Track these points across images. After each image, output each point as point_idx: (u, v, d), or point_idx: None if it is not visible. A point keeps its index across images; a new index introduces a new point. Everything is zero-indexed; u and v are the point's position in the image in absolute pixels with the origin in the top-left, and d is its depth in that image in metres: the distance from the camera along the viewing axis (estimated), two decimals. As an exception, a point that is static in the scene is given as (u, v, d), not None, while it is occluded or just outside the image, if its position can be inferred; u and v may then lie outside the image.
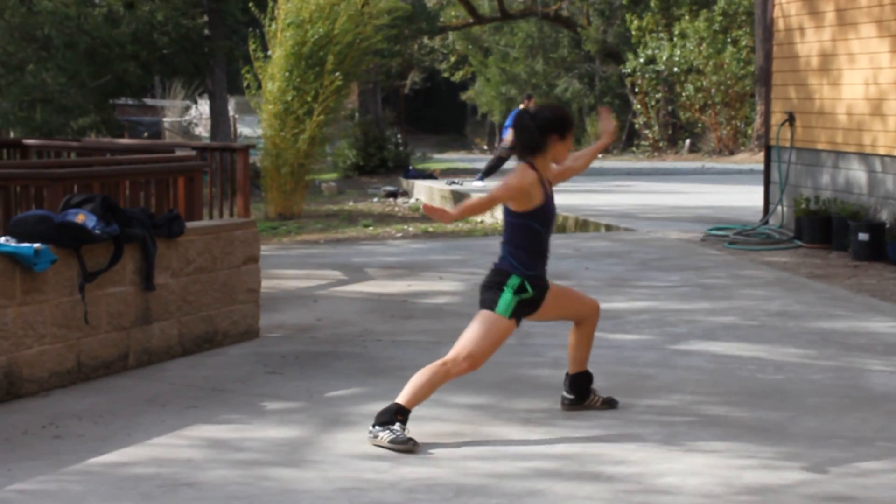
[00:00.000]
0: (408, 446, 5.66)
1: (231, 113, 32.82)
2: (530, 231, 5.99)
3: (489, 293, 5.96)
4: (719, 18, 34.92)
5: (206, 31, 26.46)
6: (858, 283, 10.70)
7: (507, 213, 6.02)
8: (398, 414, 5.76)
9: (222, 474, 5.37)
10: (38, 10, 23.05)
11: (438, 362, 5.90)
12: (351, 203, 22.68)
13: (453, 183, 23.80)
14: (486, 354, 5.93)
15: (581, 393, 6.42)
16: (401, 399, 5.82)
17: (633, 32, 37.05)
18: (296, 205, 19.97)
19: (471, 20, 42.58)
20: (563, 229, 16.05)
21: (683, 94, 35.88)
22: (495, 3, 41.75)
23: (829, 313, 9.26)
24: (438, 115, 55.10)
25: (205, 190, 11.43)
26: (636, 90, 38.11)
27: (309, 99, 19.58)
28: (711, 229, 14.34)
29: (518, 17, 43.64)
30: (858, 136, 12.84)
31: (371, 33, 20.99)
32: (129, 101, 29.72)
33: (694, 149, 37.11)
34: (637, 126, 39.68)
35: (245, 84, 20.60)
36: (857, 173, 12.96)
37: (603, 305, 6.54)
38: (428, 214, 5.77)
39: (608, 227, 15.34)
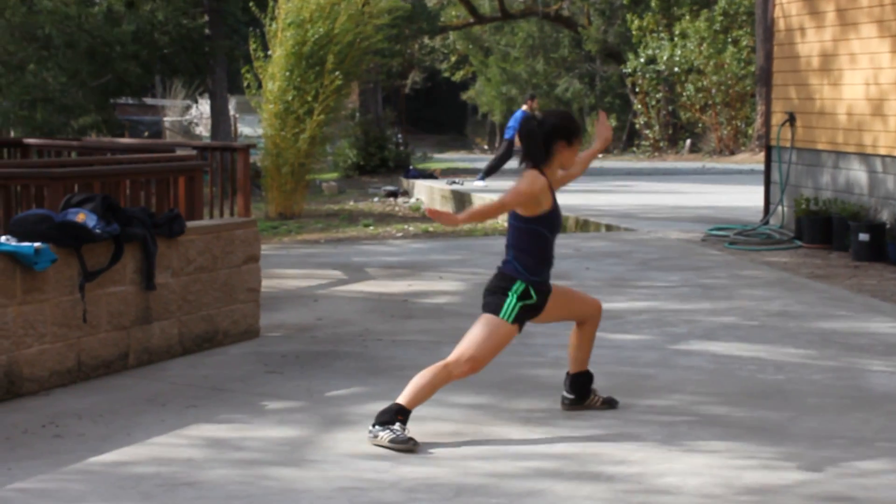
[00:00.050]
0: (408, 446, 5.66)
1: (231, 112, 32.83)
2: (537, 236, 5.99)
3: (493, 297, 5.96)
4: (720, 18, 34.93)
5: (207, 31, 26.47)
6: (859, 284, 10.70)
7: (515, 217, 6.01)
8: (399, 414, 5.76)
9: (222, 474, 5.37)
10: (38, 10, 23.05)
11: (440, 364, 5.90)
12: (351, 203, 22.69)
13: (454, 183, 23.80)
14: (487, 358, 5.94)
15: (581, 393, 6.42)
16: (401, 399, 5.82)
17: (634, 32, 37.06)
18: (296, 204, 19.97)
19: (471, 20, 42.59)
20: (564, 229, 16.05)
21: (684, 94, 35.89)
22: (496, 3, 41.76)
23: (830, 314, 9.26)
24: (439, 115, 55.11)
25: (205, 189, 11.44)
26: (637, 90, 38.12)
27: (309, 98, 19.59)
28: (712, 229, 14.34)
29: (519, 17, 43.65)
30: (859, 137, 12.84)
31: (371, 33, 21.00)
32: (130, 101, 29.72)
33: (694, 149, 37.12)
34: (637, 126, 39.69)
35: (245, 84, 20.61)
36: (858, 173, 12.96)
37: (603, 305, 6.54)
38: (433, 218, 5.76)
39: (608, 227, 15.35)
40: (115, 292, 7.33)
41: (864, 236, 12.02)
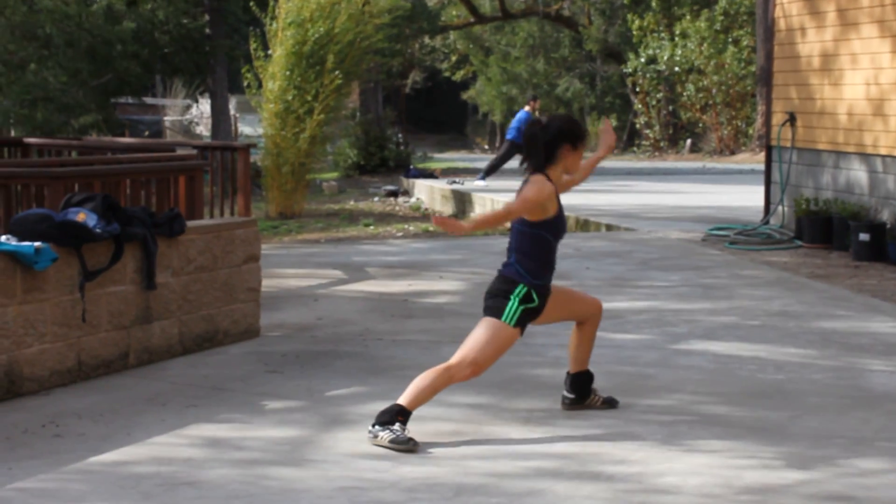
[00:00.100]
0: (408, 446, 5.66)
1: (232, 112, 32.83)
2: (541, 241, 5.99)
3: (495, 300, 5.96)
4: (720, 18, 34.93)
5: (208, 30, 26.47)
6: (859, 284, 10.70)
7: (519, 221, 5.99)
8: (399, 415, 5.76)
9: (222, 473, 5.37)
10: (38, 9, 23.05)
11: (442, 366, 5.90)
12: (352, 202, 22.69)
13: (454, 182, 23.79)
14: (489, 361, 5.95)
15: (581, 392, 6.42)
16: (402, 400, 5.82)
17: (635, 32, 37.06)
18: (296, 204, 19.97)
19: (472, 19, 42.58)
20: (564, 229, 16.02)
21: (684, 93, 35.89)
22: (496, 3, 41.75)
23: (830, 313, 9.26)
24: (439, 115, 55.11)
25: (205, 189, 11.44)
26: (637, 90, 38.12)
27: (309, 98, 19.59)
28: (712, 229, 14.35)
29: (519, 17, 43.64)
30: (859, 137, 12.84)
31: (372, 32, 21.00)
32: (130, 100, 29.73)
33: (695, 149, 37.12)
34: (638, 126, 39.69)
35: (246, 83, 20.61)
36: (858, 173, 12.96)
37: (604, 305, 6.55)
38: (440, 227, 5.75)
39: (609, 227, 15.34)
40: (115, 292, 7.33)
41: (864, 236, 12.02)
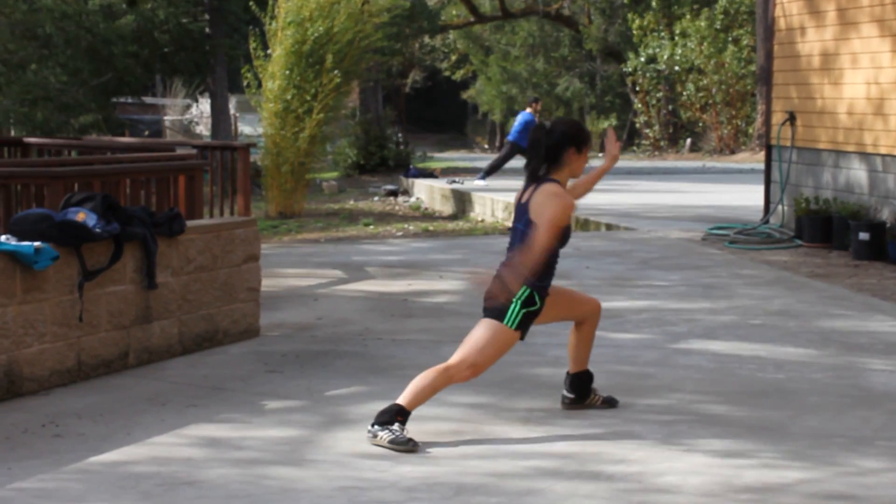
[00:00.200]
0: (407, 447, 5.66)
1: (232, 111, 32.83)
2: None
3: (496, 301, 5.95)
4: (720, 17, 34.92)
5: (207, 30, 26.47)
6: (859, 283, 10.70)
7: (529, 224, 5.94)
8: (398, 415, 5.76)
9: (222, 473, 5.37)
10: (37, 8, 23.05)
11: (442, 367, 5.90)
12: (351, 202, 22.69)
13: (454, 182, 23.79)
14: (488, 364, 5.96)
15: (581, 392, 6.42)
16: (402, 400, 5.82)
17: (635, 31, 37.06)
18: (296, 203, 19.97)
19: (472, 19, 42.58)
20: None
21: (684, 93, 35.88)
22: (496, 2, 41.76)
23: (830, 312, 9.26)
24: (439, 114, 55.11)
25: (205, 188, 11.44)
26: (637, 89, 38.12)
27: (309, 97, 19.59)
28: (712, 228, 14.34)
29: (519, 16, 43.64)
30: (859, 136, 12.84)
31: (371, 31, 21.00)
32: (130, 100, 29.74)
33: (695, 148, 37.11)
34: (638, 125, 39.69)
35: (245, 83, 20.61)
36: (858, 173, 12.96)
37: (603, 304, 6.55)
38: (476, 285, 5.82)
39: (609, 227, 15.34)
40: (115, 291, 7.33)
41: (864, 235, 12.02)
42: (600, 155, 36.31)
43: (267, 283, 9.74)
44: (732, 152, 34.76)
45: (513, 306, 5.91)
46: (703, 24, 34.87)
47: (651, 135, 38.43)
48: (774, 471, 5.38)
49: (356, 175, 29.89)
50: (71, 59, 23.33)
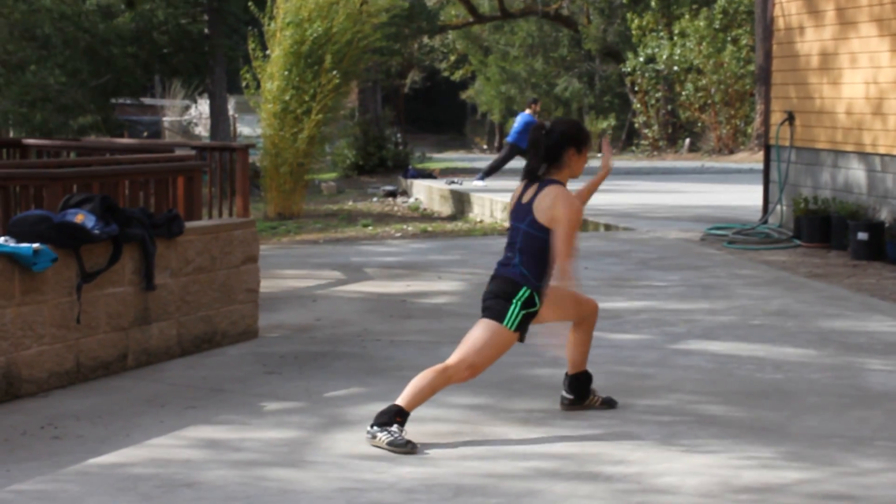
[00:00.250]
0: (406, 449, 5.66)
1: (231, 112, 32.84)
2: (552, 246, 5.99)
3: (496, 302, 5.94)
4: (719, 17, 34.93)
5: (206, 31, 26.46)
6: (857, 283, 10.70)
7: (533, 225, 5.94)
8: (397, 416, 5.76)
9: (221, 475, 5.37)
10: (36, 8, 23.05)
11: (440, 367, 5.90)
12: (350, 203, 22.68)
13: (453, 182, 23.78)
14: (487, 364, 5.96)
15: (580, 393, 6.42)
16: (400, 401, 5.82)
17: (634, 31, 37.06)
18: (295, 204, 19.96)
19: (471, 19, 42.57)
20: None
21: (683, 93, 35.88)
22: (495, 2, 41.75)
23: (828, 312, 9.27)
24: (438, 115, 55.09)
25: (204, 190, 11.43)
26: (636, 89, 38.12)
27: (307, 98, 19.58)
28: (711, 228, 14.35)
29: (518, 16, 43.62)
30: (858, 136, 12.85)
31: (369, 32, 20.99)
32: (129, 101, 29.74)
33: (693, 148, 37.12)
34: (637, 125, 39.69)
35: (244, 83, 20.60)
36: (857, 172, 12.96)
37: (602, 305, 6.55)
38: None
39: (607, 227, 15.34)
40: (113, 293, 7.33)
41: (862, 235, 12.02)
42: (599, 155, 36.34)
43: (266, 285, 9.73)
44: (731, 152, 34.77)
45: (513, 307, 5.90)
46: (701, 23, 34.87)
47: (650, 135, 38.43)
48: (773, 471, 5.39)
49: (355, 176, 29.89)
50: (70, 59, 23.33)
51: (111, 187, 8.78)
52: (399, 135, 33.25)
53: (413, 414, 5.85)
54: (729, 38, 34.70)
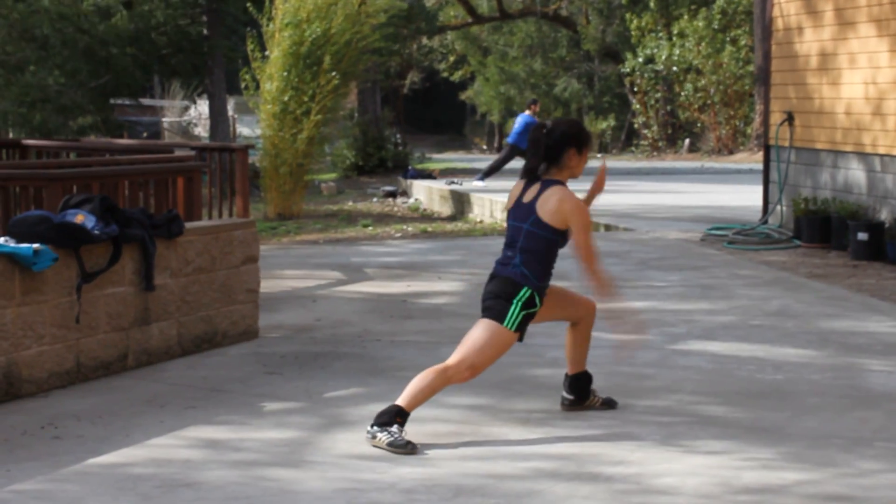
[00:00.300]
0: (406, 450, 5.65)
1: (230, 113, 32.82)
2: (553, 246, 5.99)
3: (496, 302, 5.93)
4: (718, 17, 34.93)
5: (205, 32, 26.46)
6: (857, 283, 10.70)
7: (537, 224, 5.93)
8: (397, 416, 5.76)
9: (221, 475, 5.37)
10: (35, 9, 23.05)
11: (440, 367, 5.90)
12: (350, 203, 22.68)
13: (452, 183, 23.79)
14: (487, 364, 5.96)
15: (581, 393, 6.42)
16: (400, 401, 5.82)
17: (633, 32, 37.07)
18: (295, 205, 19.96)
19: (470, 20, 42.57)
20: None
21: (682, 93, 35.89)
22: (494, 3, 41.75)
23: (828, 313, 9.27)
24: (437, 115, 55.09)
25: (204, 190, 11.44)
26: (635, 90, 38.11)
27: (306, 99, 19.58)
28: (710, 229, 14.35)
29: (517, 17, 43.63)
30: (858, 136, 12.85)
31: (368, 32, 20.99)
32: (128, 102, 29.74)
33: (693, 148, 37.12)
34: (636, 126, 39.69)
35: (243, 84, 20.60)
36: (857, 173, 12.96)
37: (602, 305, 6.53)
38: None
39: (607, 227, 15.35)
40: (113, 293, 7.33)
41: (862, 235, 12.02)
42: (599, 156, 36.34)
43: (266, 285, 9.73)
44: (731, 152, 34.77)
45: (513, 307, 5.90)
46: (700, 24, 34.87)
47: (649, 135, 38.43)
48: (773, 472, 5.39)
49: (354, 176, 29.88)
50: (69, 60, 23.33)
51: (111, 188, 8.78)
52: (398, 135, 33.24)
53: (413, 414, 5.85)
54: (728, 39, 34.71)
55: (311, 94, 19.59)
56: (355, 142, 30.64)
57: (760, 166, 16.49)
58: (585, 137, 6.08)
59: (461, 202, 20.46)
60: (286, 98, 19.56)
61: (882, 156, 12.44)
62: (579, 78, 44.92)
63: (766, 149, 14.90)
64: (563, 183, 6.02)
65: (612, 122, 41.74)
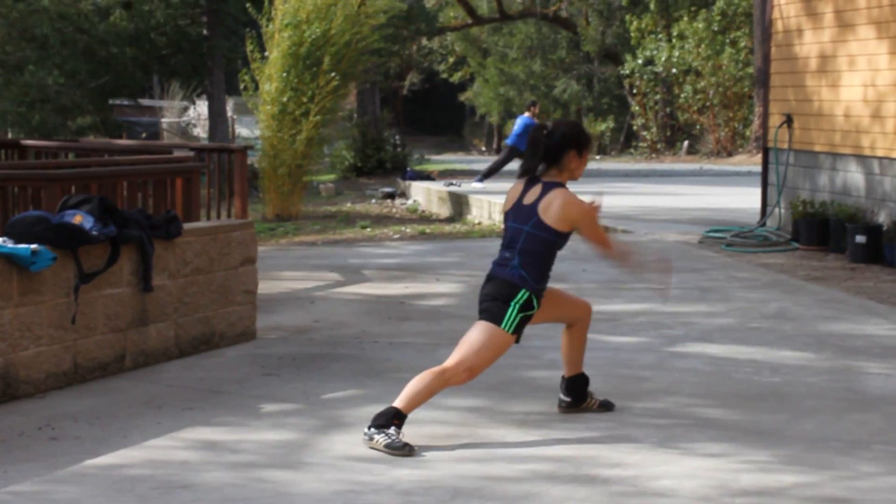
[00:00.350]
0: (403, 452, 5.65)
1: (229, 114, 32.83)
2: (554, 248, 6.00)
3: (494, 304, 5.92)
4: (718, 19, 34.94)
5: (205, 32, 26.47)
6: (855, 286, 10.70)
7: (538, 226, 5.93)
8: (395, 418, 5.75)
9: (218, 476, 5.37)
10: (35, 9, 23.05)
11: (438, 369, 5.89)
12: (349, 204, 22.67)
13: (451, 184, 23.78)
14: (484, 366, 5.95)
15: (578, 395, 6.42)
16: (398, 403, 5.82)
17: (632, 33, 37.08)
18: (293, 206, 19.94)
19: (469, 21, 42.59)
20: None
21: (682, 95, 35.90)
22: (494, 4, 41.77)
23: (826, 316, 9.27)
24: (437, 117, 55.11)
25: (202, 191, 11.44)
26: (634, 91, 38.13)
27: (306, 100, 19.57)
28: (709, 231, 14.35)
29: (517, 18, 43.66)
30: (856, 138, 12.85)
31: (368, 33, 20.98)
32: (127, 102, 29.75)
33: (692, 150, 37.13)
34: (635, 127, 39.71)
35: (242, 85, 20.59)
36: (855, 175, 12.96)
37: (599, 307, 6.55)
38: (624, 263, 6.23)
39: (606, 229, 15.31)
40: (111, 294, 7.32)
41: (860, 238, 12.03)
42: (598, 157, 36.35)
43: (264, 286, 9.73)
44: (730, 155, 34.77)
45: (511, 310, 5.90)
46: (700, 26, 34.88)
47: (648, 137, 38.44)
48: (770, 475, 5.39)
49: (353, 177, 29.88)
50: (68, 60, 23.34)
51: (109, 188, 8.78)
52: (397, 136, 33.24)
53: (410, 416, 5.85)
54: (727, 41, 34.72)
55: (311, 94, 19.58)
56: (354, 143, 30.63)
57: (759, 168, 16.50)
58: (586, 139, 6.09)
59: (460, 204, 20.46)
60: (285, 99, 19.55)
61: (881, 158, 12.45)
62: (579, 79, 44.95)
63: (765, 151, 14.90)
64: (563, 185, 6.02)
65: (611, 123, 41.75)
